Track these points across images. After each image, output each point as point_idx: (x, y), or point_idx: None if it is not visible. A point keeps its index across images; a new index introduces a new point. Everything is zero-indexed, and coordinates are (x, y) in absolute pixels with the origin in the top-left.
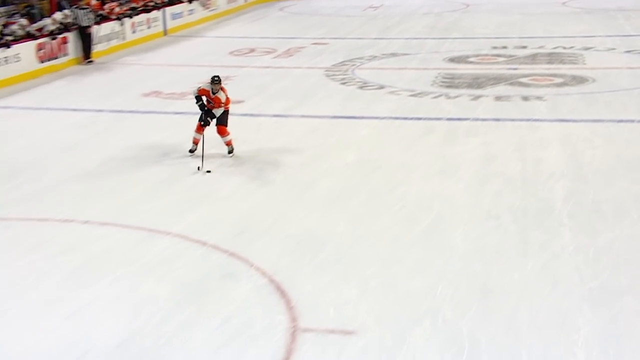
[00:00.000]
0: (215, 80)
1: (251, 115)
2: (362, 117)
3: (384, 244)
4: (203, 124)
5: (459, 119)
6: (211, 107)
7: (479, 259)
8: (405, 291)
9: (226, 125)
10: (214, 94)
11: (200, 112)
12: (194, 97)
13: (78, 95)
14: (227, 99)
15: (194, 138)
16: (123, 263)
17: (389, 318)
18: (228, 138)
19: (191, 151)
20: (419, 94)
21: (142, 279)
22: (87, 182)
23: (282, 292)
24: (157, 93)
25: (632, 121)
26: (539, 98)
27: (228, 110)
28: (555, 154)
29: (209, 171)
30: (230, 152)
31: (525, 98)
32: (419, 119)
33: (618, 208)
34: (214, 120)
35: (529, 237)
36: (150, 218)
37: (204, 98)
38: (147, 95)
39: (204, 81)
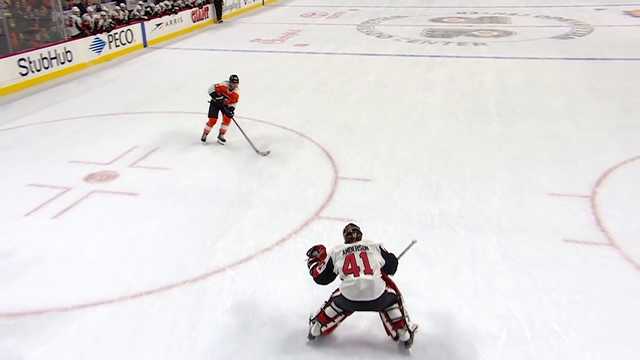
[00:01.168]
0: (235, 80)
1: (313, 53)
2: (379, 55)
3: (390, 130)
4: (228, 115)
5: (436, 56)
6: (227, 102)
7: (444, 139)
8: (401, 158)
9: (231, 118)
10: (230, 90)
11: (212, 107)
12: (209, 93)
13: (214, 41)
14: (238, 95)
15: (205, 129)
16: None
17: (390, 173)
18: (227, 128)
19: (203, 140)
20: (413, 40)
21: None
22: None
23: (329, 157)
24: (258, 40)
25: (536, 58)
26: (483, 44)
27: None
28: (491, 78)
29: (268, 152)
30: (223, 140)
31: (475, 44)
32: (412, 56)
33: (525, 110)
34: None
35: (473, 127)
36: (256, 111)
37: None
38: (252, 41)
39: (220, 79)
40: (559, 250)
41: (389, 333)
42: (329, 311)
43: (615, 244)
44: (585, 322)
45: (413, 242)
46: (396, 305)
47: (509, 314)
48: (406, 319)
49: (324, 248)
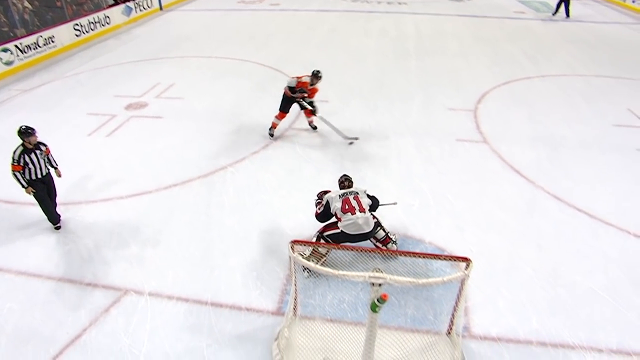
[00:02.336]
0: (319, 76)
1: (283, 10)
2: (332, 11)
3: (340, 65)
4: (302, 108)
5: (372, 12)
6: (303, 97)
7: (379, 72)
8: (348, 85)
9: (315, 114)
10: (311, 85)
11: (285, 101)
12: (288, 87)
13: (211, 3)
14: (317, 90)
15: (274, 123)
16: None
17: (341, 96)
18: (312, 119)
19: (271, 135)
20: (355, 0)
21: (240, 78)
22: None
23: None
24: (243, 1)
25: (440, 14)
26: (405, 3)
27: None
28: (410, 28)
29: (356, 138)
30: (315, 127)
31: (399, 3)
32: (355, 11)
33: (433, 51)
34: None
35: (398, 62)
36: (242, 53)
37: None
38: (239, 2)
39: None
40: (453, 146)
41: (380, 249)
42: (322, 249)
43: (487, 141)
44: (466, 192)
45: (394, 203)
46: (379, 228)
47: (420, 189)
48: (388, 234)
49: (330, 192)
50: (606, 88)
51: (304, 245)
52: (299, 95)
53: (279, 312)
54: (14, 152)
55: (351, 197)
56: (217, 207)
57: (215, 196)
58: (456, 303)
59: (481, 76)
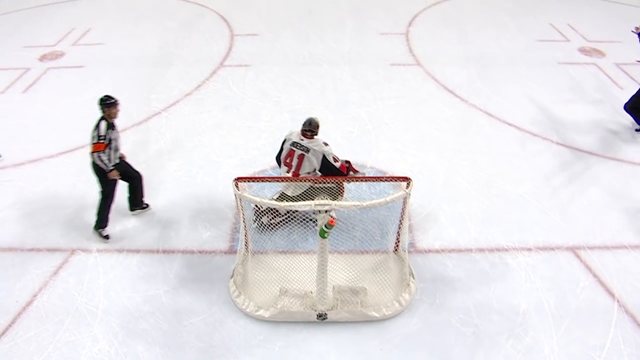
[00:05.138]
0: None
1: None
2: None
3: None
4: None
5: None
6: None
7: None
8: (277, 16)
9: None
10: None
11: None
12: None
13: None
14: None
15: None
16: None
17: (271, 28)
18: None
19: None
20: None
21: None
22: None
23: (225, 20)
24: None
25: None
26: None
27: None
28: None
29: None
30: None
31: None
32: None
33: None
34: None
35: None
36: None
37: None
38: None
39: None
40: (388, 71)
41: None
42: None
43: (420, 64)
44: (403, 115)
45: (363, 173)
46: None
47: (358, 116)
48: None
49: (293, 132)
50: (530, 4)
51: (248, 181)
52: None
53: (231, 251)
54: (97, 128)
55: (297, 153)
56: (156, 154)
57: (153, 143)
58: (400, 221)
59: None
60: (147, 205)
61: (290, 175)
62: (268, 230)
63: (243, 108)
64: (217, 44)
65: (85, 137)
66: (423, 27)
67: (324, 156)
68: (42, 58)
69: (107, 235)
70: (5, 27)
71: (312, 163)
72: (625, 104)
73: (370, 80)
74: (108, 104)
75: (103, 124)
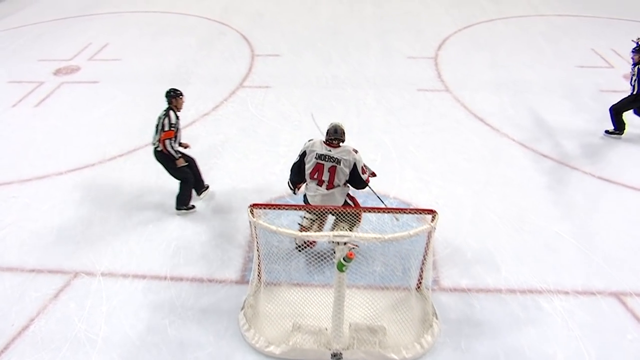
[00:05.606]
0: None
1: None
2: None
3: (291, 14)
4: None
5: None
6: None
7: (332, 20)
8: (301, 36)
9: None
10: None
11: None
12: None
13: None
14: None
15: None
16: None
17: (294, 48)
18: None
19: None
20: None
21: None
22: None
23: (246, 39)
24: None
25: None
26: None
27: None
28: None
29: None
30: None
31: None
32: None
33: (403, 37)
34: None
35: (354, 8)
36: (176, 4)
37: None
38: None
39: None
40: (414, 96)
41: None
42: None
43: (449, 90)
44: (429, 143)
45: (311, 115)
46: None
47: (382, 143)
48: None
49: (314, 141)
50: (569, 28)
51: (264, 208)
52: None
53: (243, 281)
54: (167, 117)
55: (327, 166)
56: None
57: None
58: (424, 257)
59: (440, 20)
60: (208, 186)
61: (323, 188)
62: (308, 247)
63: (261, 131)
64: (237, 63)
65: (95, 155)
66: (453, 51)
67: (354, 165)
68: (57, 72)
69: (192, 206)
70: (22, 40)
71: (345, 174)
72: (613, 105)
73: (396, 105)
74: (175, 95)
75: (172, 114)
